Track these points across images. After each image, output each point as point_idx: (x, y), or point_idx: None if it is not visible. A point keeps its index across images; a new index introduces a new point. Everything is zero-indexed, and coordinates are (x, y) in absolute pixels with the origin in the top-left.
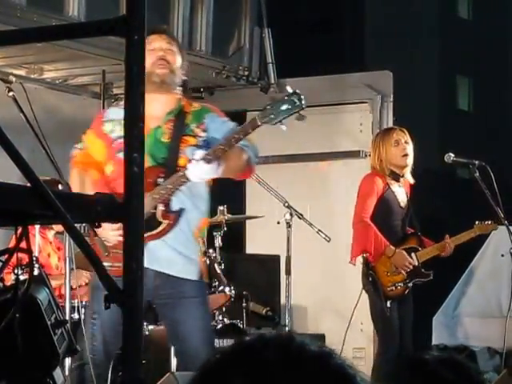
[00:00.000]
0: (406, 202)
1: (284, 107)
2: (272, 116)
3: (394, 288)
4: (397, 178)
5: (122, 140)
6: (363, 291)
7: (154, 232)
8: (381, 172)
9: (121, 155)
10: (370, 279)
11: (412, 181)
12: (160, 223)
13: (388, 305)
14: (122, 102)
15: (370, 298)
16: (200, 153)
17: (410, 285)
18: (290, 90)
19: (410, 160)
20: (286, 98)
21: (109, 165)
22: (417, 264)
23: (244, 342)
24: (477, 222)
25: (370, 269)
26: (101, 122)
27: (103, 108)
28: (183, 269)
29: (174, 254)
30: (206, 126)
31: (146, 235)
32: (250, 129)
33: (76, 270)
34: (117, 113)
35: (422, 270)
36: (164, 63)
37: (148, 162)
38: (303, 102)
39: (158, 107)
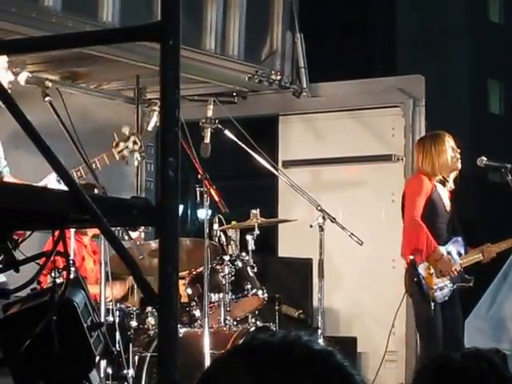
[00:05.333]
0: (450, 206)
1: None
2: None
3: (438, 290)
4: (443, 182)
5: None
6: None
7: None
8: (430, 175)
9: None
10: (415, 280)
11: (453, 187)
12: None
13: (432, 307)
14: None
15: (414, 301)
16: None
17: (453, 288)
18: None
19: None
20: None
21: None
22: (459, 269)
23: (250, 340)
24: None
25: (417, 270)
26: None
27: (137, 113)
28: None
29: None
30: None
31: None
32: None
33: (112, 282)
34: None
35: (466, 276)
36: None
37: None
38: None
39: None
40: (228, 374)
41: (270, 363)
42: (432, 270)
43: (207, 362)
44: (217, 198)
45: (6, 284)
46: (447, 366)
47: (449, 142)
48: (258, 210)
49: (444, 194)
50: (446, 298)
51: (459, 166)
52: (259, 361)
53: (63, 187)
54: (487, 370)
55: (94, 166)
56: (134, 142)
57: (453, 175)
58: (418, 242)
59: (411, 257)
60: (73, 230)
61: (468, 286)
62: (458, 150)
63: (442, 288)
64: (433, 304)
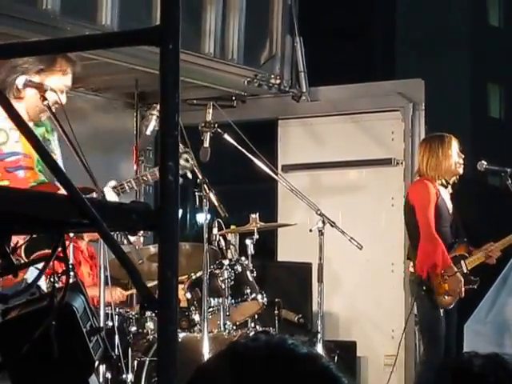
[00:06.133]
0: (452, 208)
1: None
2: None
3: (446, 297)
4: (445, 185)
5: (16, 157)
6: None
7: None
8: (433, 179)
9: (17, 172)
10: (425, 288)
11: (450, 191)
12: None
13: (441, 313)
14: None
15: (421, 305)
16: (114, 182)
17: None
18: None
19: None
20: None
21: (3, 181)
22: (466, 271)
23: (234, 346)
24: None
25: (428, 279)
26: None
27: (136, 117)
28: None
29: None
30: (56, 143)
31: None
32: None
33: (111, 286)
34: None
35: (471, 278)
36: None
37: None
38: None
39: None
40: (213, 381)
41: (255, 368)
42: (438, 278)
43: None
44: (216, 203)
45: None
46: (466, 370)
47: (455, 147)
48: (258, 214)
49: (447, 197)
50: (453, 303)
51: (461, 171)
52: (244, 366)
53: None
54: (503, 375)
55: (145, 178)
56: (186, 160)
57: (452, 180)
58: (435, 257)
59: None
60: (71, 235)
61: (473, 287)
62: (463, 156)
63: (449, 294)
64: (442, 310)
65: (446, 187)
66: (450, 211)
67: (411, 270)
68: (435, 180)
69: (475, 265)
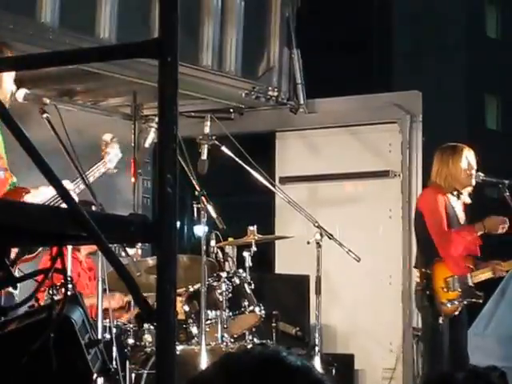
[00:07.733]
0: (464, 219)
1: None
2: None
3: (449, 305)
4: (457, 195)
5: None
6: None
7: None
8: (443, 188)
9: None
10: (428, 293)
11: (468, 201)
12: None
13: (440, 321)
14: None
15: (423, 315)
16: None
17: (463, 304)
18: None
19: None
20: None
21: None
22: (471, 284)
23: (227, 358)
24: None
25: (430, 283)
26: None
27: (134, 129)
28: None
29: None
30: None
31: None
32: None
33: (109, 292)
34: None
35: (476, 292)
36: None
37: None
38: None
39: None
40: None
41: (248, 380)
42: (443, 284)
43: None
44: (214, 215)
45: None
46: None
47: (467, 157)
48: (255, 226)
49: (457, 207)
50: (456, 313)
51: (473, 182)
52: (237, 378)
53: None
54: None
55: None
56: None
57: (466, 190)
58: (457, 250)
59: (428, 271)
60: (70, 247)
61: (478, 301)
62: (474, 167)
63: (452, 303)
64: (441, 318)
65: (458, 197)
66: (461, 221)
67: (417, 279)
68: (445, 190)
69: (482, 279)
